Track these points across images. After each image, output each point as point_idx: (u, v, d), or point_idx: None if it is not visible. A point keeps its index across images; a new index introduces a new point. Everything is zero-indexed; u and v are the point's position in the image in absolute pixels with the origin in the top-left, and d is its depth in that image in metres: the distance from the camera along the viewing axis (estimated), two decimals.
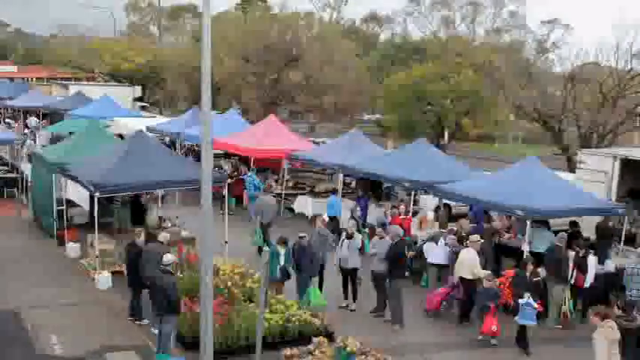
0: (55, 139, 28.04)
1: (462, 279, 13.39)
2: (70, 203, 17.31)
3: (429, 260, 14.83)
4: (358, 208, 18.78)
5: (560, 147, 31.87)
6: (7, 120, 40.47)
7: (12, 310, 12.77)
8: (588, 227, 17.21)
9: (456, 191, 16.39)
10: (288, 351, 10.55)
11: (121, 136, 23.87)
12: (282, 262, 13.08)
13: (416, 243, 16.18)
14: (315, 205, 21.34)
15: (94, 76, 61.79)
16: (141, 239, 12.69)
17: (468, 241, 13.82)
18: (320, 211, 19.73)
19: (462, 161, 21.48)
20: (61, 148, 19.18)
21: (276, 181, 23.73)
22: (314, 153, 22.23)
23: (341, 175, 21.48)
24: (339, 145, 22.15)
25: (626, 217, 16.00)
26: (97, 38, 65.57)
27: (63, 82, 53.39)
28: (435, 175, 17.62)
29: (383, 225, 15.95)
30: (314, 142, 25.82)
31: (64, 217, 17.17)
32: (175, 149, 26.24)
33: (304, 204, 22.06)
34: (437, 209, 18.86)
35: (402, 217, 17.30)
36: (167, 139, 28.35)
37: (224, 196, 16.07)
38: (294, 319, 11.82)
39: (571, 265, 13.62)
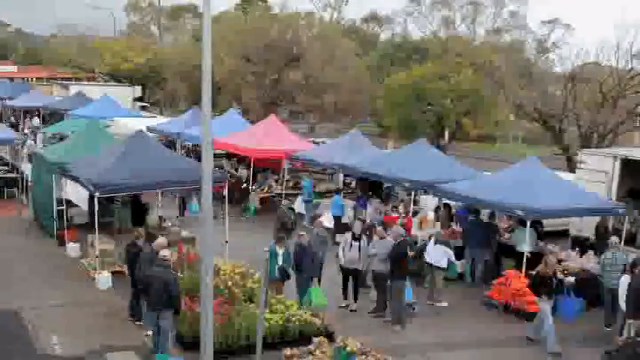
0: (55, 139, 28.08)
1: None
2: (70, 203, 17.29)
3: (427, 260, 14.82)
4: (365, 210, 18.82)
5: (560, 147, 31.85)
6: (11, 118, 40.53)
7: (12, 310, 12.77)
8: (588, 227, 17.26)
9: (456, 191, 16.39)
10: (288, 351, 10.57)
11: None
12: (280, 262, 12.97)
13: (416, 243, 16.19)
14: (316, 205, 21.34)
15: (94, 76, 61.81)
16: (141, 240, 12.67)
17: None
18: (321, 211, 19.79)
19: (462, 161, 21.46)
20: (61, 148, 19.20)
21: (276, 181, 23.75)
22: (314, 153, 22.24)
23: (341, 175, 21.49)
24: (339, 145, 22.16)
25: (627, 217, 16.00)
26: (97, 38, 65.56)
27: (63, 82, 53.43)
28: (435, 175, 17.62)
29: (381, 224, 15.96)
30: (314, 142, 25.83)
31: (64, 217, 17.19)
32: (175, 149, 26.23)
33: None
34: (437, 209, 18.87)
35: (398, 216, 17.29)
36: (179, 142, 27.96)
37: (224, 197, 16.07)
38: (294, 319, 11.82)
39: None
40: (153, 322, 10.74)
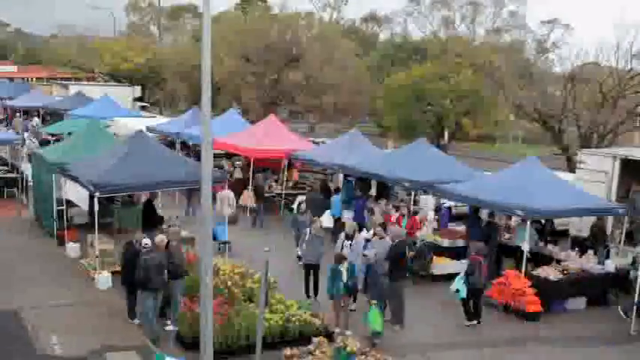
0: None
1: None
2: (70, 203, 17.28)
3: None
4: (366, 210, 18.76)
5: (560, 147, 31.86)
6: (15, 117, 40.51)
7: (12, 310, 12.77)
8: (588, 227, 17.24)
9: (456, 191, 16.40)
10: (288, 351, 10.57)
11: None
12: (344, 280, 12.33)
13: (415, 243, 16.18)
14: None
15: (94, 76, 61.83)
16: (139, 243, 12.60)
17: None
18: None
19: (462, 161, 21.46)
20: (60, 148, 19.20)
21: (276, 181, 23.74)
22: (314, 153, 22.24)
23: (341, 175, 21.47)
24: (339, 145, 22.15)
25: (626, 217, 16.00)
26: (97, 38, 65.59)
27: (63, 82, 53.46)
28: (435, 175, 17.63)
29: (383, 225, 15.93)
30: (314, 142, 25.82)
31: (64, 217, 17.19)
32: (176, 149, 26.23)
33: None
34: (437, 209, 18.87)
35: (403, 216, 17.25)
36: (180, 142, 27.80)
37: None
38: (294, 319, 11.82)
39: None
40: (151, 305, 11.55)
